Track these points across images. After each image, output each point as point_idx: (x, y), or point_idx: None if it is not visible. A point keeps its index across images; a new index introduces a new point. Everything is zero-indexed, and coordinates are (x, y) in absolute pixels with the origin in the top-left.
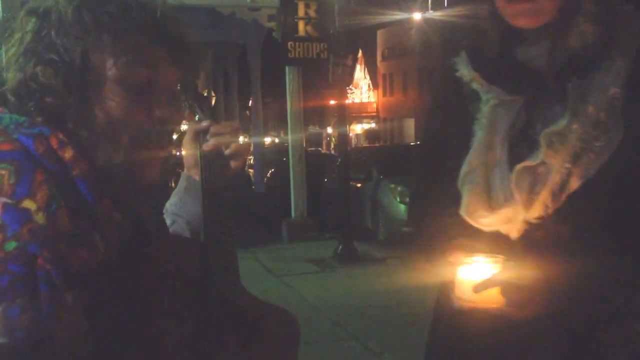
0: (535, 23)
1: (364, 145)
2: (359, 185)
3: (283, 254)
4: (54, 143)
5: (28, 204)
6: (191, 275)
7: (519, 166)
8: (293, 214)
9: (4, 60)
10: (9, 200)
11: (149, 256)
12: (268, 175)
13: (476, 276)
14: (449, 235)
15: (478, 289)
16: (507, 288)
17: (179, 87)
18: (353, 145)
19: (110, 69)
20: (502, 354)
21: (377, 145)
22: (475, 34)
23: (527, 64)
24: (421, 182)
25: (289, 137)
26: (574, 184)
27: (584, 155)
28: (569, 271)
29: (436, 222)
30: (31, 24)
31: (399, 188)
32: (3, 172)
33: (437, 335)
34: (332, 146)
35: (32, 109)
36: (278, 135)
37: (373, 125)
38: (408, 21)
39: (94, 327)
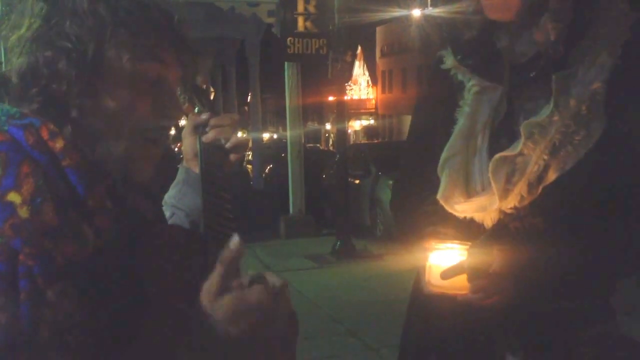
0: (506, 17)
1: (362, 141)
2: (357, 181)
3: (281, 249)
4: (45, 134)
5: (13, 197)
6: (190, 266)
7: (497, 156)
8: (291, 210)
9: (4, 46)
10: None
11: (145, 246)
12: (266, 171)
13: (446, 262)
14: (426, 222)
15: (446, 275)
16: (473, 275)
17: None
18: (352, 142)
19: (123, 64)
20: (471, 340)
21: (376, 141)
22: (460, 26)
23: (506, 53)
24: (405, 170)
25: (288, 133)
26: (551, 176)
27: (562, 148)
28: (537, 261)
29: (415, 210)
30: (40, 9)
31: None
32: None
33: (411, 319)
34: (331, 142)
35: (34, 93)
36: (277, 131)
37: (372, 121)
38: (407, 18)
39: (88, 317)
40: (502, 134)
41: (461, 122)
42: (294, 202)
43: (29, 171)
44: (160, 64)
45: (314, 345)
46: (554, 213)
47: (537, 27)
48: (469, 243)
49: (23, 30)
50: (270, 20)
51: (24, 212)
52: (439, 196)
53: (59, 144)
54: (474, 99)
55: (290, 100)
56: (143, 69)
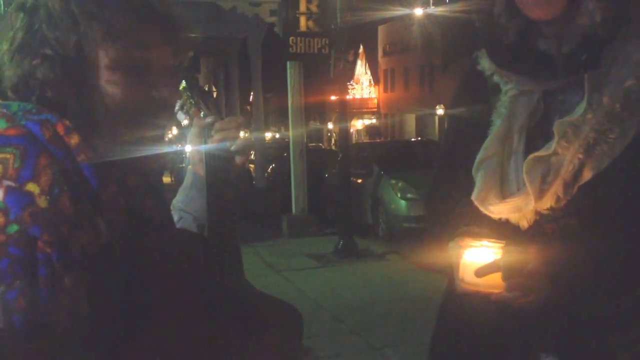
0: (548, 14)
1: (364, 141)
2: (359, 180)
3: (284, 249)
4: (61, 129)
5: (31, 187)
6: (194, 268)
7: (531, 156)
8: (294, 210)
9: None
10: (12, 184)
11: (151, 244)
12: (269, 170)
13: (480, 260)
14: (460, 223)
15: (480, 272)
16: (508, 273)
17: (173, 65)
18: (354, 141)
19: (105, 56)
20: (504, 340)
21: (378, 141)
22: (493, 28)
23: (546, 54)
24: (440, 172)
25: (290, 133)
26: (586, 175)
27: (597, 146)
28: (573, 261)
29: (450, 211)
30: (20, 20)
31: (399, 184)
32: (8, 156)
33: (444, 316)
34: (333, 142)
35: (33, 103)
36: (279, 131)
37: (374, 121)
38: (409, 17)
39: (94, 311)
40: (538, 136)
41: (498, 123)
42: (297, 201)
43: (47, 163)
44: (143, 47)
45: (317, 345)
46: (590, 214)
47: (579, 15)
48: (504, 241)
49: (8, 44)
50: (272, 19)
51: (42, 202)
52: (473, 197)
53: (74, 140)
54: (511, 101)
55: (292, 99)
56: (126, 57)
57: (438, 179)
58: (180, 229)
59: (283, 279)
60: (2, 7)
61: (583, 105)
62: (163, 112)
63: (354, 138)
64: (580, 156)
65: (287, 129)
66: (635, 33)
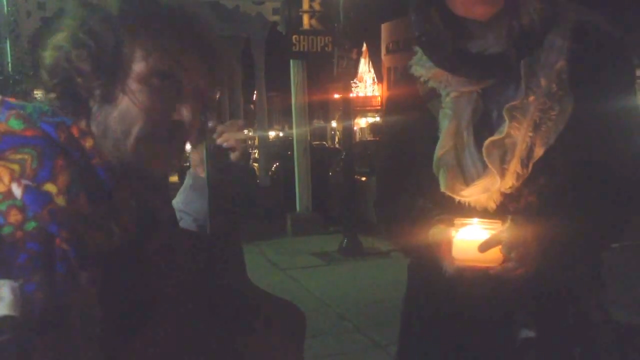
0: (489, 12)
1: (368, 139)
2: (363, 178)
3: (288, 247)
4: (75, 132)
5: (49, 187)
6: (198, 267)
7: (487, 140)
8: (298, 208)
9: (44, 45)
10: (30, 183)
11: (158, 246)
12: (273, 169)
13: (475, 237)
14: (429, 215)
15: (483, 247)
16: (510, 246)
17: (202, 96)
18: (358, 139)
19: (138, 62)
20: (485, 315)
21: None
22: (432, 36)
23: (480, 55)
24: (386, 177)
25: (294, 131)
26: (538, 151)
27: (543, 124)
28: (555, 230)
29: (409, 208)
30: (79, 12)
31: None
32: (26, 156)
33: (414, 302)
34: (337, 140)
35: (61, 88)
36: (282, 129)
37: (377, 119)
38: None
39: (104, 309)
40: (482, 129)
41: (446, 123)
42: (301, 199)
43: (64, 165)
44: (177, 67)
45: (322, 343)
46: (546, 188)
47: (521, 15)
48: (492, 220)
49: (64, 31)
50: (275, 18)
51: (60, 201)
52: (443, 188)
53: (88, 143)
54: (454, 102)
55: (296, 98)
56: (158, 71)
57: (385, 183)
58: (184, 229)
59: (287, 277)
60: (5, 7)
61: (522, 89)
62: (175, 140)
63: (358, 136)
64: (530, 134)
65: (290, 127)
66: (554, 22)
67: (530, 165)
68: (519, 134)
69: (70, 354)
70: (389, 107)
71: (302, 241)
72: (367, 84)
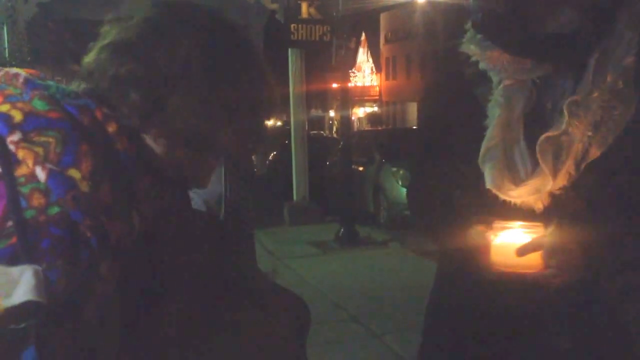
0: None
1: (366, 128)
2: (361, 168)
3: (285, 236)
4: (99, 116)
5: (73, 172)
6: (208, 252)
7: (543, 136)
8: (295, 197)
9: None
10: (55, 167)
11: (172, 230)
12: (270, 158)
13: (516, 241)
14: (467, 213)
15: (521, 252)
16: (552, 252)
17: (228, 159)
18: (355, 129)
19: (182, 98)
20: (517, 323)
21: (380, 128)
22: (496, 16)
23: (555, 35)
24: (421, 166)
25: (292, 120)
26: (594, 152)
27: (604, 124)
28: (603, 238)
29: (445, 204)
30: (133, 25)
31: (401, 172)
32: (50, 139)
33: (441, 304)
34: (335, 129)
35: (97, 90)
36: (280, 118)
37: (375, 108)
38: (411, 4)
39: (123, 299)
40: (534, 123)
41: (497, 112)
42: (298, 189)
43: (87, 150)
44: (215, 124)
45: (318, 332)
46: (596, 194)
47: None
48: (534, 223)
49: (110, 38)
50: (274, 6)
51: (84, 187)
52: (489, 186)
53: (112, 128)
54: (506, 90)
55: (293, 87)
56: (193, 123)
57: (420, 171)
58: (196, 210)
59: (284, 266)
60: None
61: (587, 84)
62: (218, 161)
63: (356, 126)
64: (590, 134)
65: (288, 116)
66: (624, 13)
67: (583, 166)
68: (577, 132)
69: (85, 344)
70: (428, 91)
71: (299, 230)
72: (365, 73)
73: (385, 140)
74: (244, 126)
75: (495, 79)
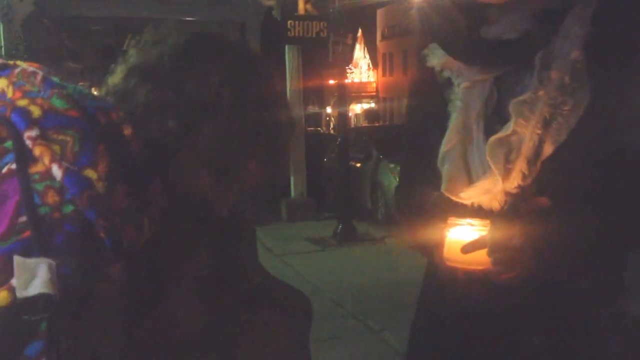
0: None
1: (363, 125)
2: (358, 165)
3: (282, 233)
4: (115, 117)
5: (89, 173)
6: (209, 247)
7: (492, 138)
8: (292, 194)
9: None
10: (71, 166)
11: (176, 233)
12: None
13: (465, 237)
14: (434, 212)
15: (466, 249)
16: (494, 248)
17: (247, 192)
18: (352, 125)
19: (206, 131)
20: (485, 318)
21: (377, 125)
22: (447, 23)
23: (494, 41)
24: (406, 164)
25: None
26: (548, 149)
27: (554, 120)
28: (551, 236)
29: (422, 202)
30: (164, 53)
31: (398, 168)
32: (68, 138)
33: (425, 299)
34: (332, 126)
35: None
36: None
37: (372, 105)
38: (408, 0)
39: (127, 303)
40: (495, 122)
41: (454, 116)
42: (295, 185)
43: (104, 151)
44: (260, 117)
45: (316, 328)
46: (557, 188)
47: (528, 4)
48: (488, 220)
49: (134, 59)
50: (271, 3)
51: (100, 187)
52: (443, 189)
53: (127, 130)
54: (465, 93)
55: (290, 83)
56: (225, 154)
57: (404, 171)
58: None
59: (282, 262)
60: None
61: (533, 83)
62: (208, 206)
63: (353, 122)
64: (539, 132)
65: None
66: (571, 8)
67: (539, 163)
68: (525, 132)
69: (89, 344)
70: (410, 92)
71: (297, 227)
72: (362, 70)
73: (383, 136)
74: (267, 158)
75: (455, 82)
